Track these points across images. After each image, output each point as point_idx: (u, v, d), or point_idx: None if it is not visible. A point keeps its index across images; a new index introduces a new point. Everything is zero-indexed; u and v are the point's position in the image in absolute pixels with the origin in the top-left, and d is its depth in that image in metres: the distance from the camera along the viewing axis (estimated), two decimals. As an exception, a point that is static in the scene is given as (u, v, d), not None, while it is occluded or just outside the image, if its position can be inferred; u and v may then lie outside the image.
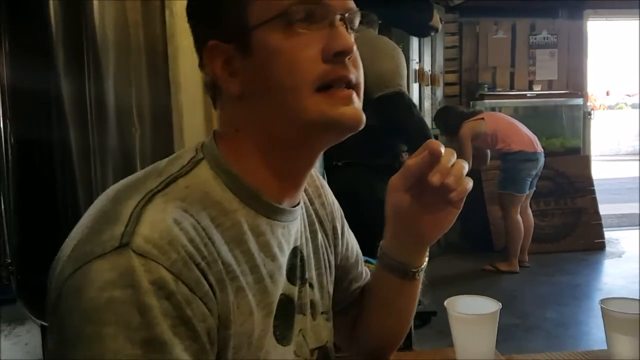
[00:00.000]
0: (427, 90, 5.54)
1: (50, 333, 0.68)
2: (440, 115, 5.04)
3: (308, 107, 0.74)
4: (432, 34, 3.76)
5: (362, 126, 0.78)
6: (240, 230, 0.76)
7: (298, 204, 0.86)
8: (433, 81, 5.58)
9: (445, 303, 1.07)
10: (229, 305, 0.71)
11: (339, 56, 0.75)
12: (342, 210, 1.05)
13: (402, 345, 1.10)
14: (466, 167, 0.85)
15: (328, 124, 0.76)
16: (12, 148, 1.95)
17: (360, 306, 1.06)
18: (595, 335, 3.33)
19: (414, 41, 5.09)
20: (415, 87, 4.87)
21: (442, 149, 0.83)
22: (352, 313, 1.07)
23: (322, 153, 0.83)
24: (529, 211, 5.00)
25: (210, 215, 0.73)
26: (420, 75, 4.97)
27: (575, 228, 5.58)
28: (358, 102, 0.78)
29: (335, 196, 1.04)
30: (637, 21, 6.88)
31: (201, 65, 0.80)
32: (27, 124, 1.90)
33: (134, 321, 0.61)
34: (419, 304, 1.05)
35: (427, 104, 5.49)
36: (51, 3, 1.76)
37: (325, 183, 1.03)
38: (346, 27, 0.77)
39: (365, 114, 0.77)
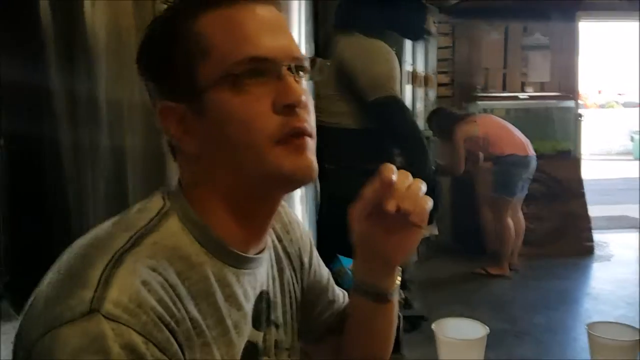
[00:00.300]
0: (420, 92, 5.52)
1: None
2: (433, 117, 5.05)
3: (268, 160, 0.75)
4: (426, 37, 3.75)
5: (315, 177, 0.79)
6: (207, 283, 0.77)
7: (265, 247, 0.87)
8: (426, 82, 5.56)
9: (433, 326, 1.07)
10: None
11: (288, 108, 0.75)
12: (312, 240, 1.06)
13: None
14: (423, 187, 0.84)
15: (281, 178, 0.77)
16: (2, 149, 1.94)
17: (340, 331, 1.06)
18: (582, 342, 3.29)
19: (407, 43, 5.07)
20: (408, 89, 4.85)
21: (394, 176, 0.82)
22: (331, 340, 1.07)
23: (282, 199, 0.85)
24: (521, 214, 5.00)
25: (177, 270, 0.74)
26: (413, 77, 4.96)
27: (565, 231, 5.57)
28: (312, 146, 0.79)
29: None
30: (631, 22, 6.90)
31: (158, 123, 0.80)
32: (17, 126, 1.89)
33: None
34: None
35: (419, 105, 5.48)
36: (40, 3, 1.74)
37: (293, 218, 1.03)
38: (294, 76, 0.77)
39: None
